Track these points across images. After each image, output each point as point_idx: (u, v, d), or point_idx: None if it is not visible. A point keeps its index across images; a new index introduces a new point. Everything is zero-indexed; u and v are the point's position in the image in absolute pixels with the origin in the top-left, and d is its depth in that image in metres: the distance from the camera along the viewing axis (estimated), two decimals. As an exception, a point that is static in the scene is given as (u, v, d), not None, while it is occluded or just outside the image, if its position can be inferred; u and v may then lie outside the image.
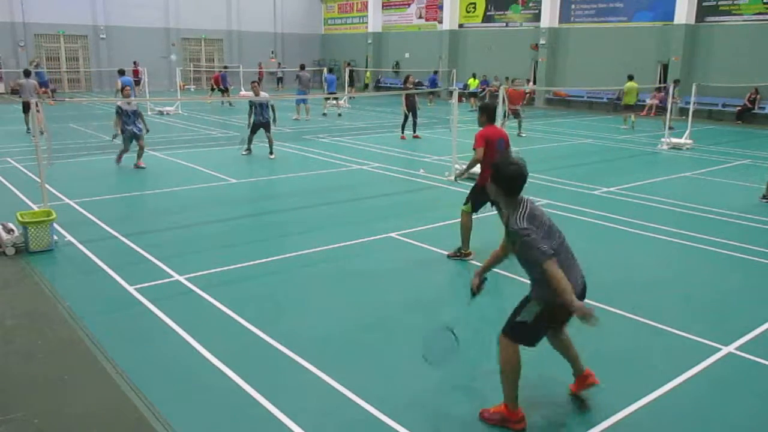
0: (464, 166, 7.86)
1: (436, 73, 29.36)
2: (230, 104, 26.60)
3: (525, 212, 3.77)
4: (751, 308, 6.12)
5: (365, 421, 4.13)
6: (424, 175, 12.48)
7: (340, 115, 24.30)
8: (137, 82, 25.82)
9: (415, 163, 13.90)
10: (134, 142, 12.68)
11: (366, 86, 37.17)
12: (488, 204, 7.14)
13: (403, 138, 17.68)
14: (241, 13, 38.69)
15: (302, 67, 23.00)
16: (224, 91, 26.37)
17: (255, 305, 5.97)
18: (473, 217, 7.30)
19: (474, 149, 7.20)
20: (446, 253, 7.46)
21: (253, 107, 13.95)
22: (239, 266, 7.00)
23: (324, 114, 24.04)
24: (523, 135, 18.85)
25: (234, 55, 38.05)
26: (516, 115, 18.99)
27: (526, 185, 3.86)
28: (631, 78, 21.35)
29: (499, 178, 3.84)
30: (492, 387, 4.63)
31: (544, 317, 3.93)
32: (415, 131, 17.96)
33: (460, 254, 7.29)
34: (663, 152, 16.42)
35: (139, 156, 12.81)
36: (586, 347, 5.24)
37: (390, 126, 21.31)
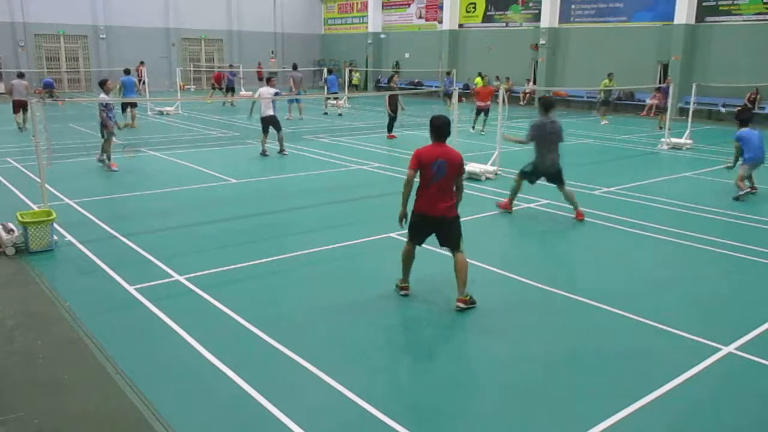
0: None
1: (448, 74, 29.24)
2: (231, 104, 26.57)
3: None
4: (751, 308, 6.12)
5: (365, 420, 4.13)
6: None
7: (340, 114, 24.37)
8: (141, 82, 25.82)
9: (415, 163, 13.88)
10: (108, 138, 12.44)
11: (356, 87, 36.33)
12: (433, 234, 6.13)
13: (390, 137, 17.80)
14: (241, 13, 38.70)
15: (294, 67, 23.23)
16: (228, 90, 26.45)
17: (255, 305, 5.97)
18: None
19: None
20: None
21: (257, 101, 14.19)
22: (239, 266, 7.00)
23: (325, 113, 24.24)
24: (483, 133, 19.11)
25: (234, 55, 38.05)
26: (485, 112, 19.31)
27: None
28: (608, 75, 22.65)
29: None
30: (492, 386, 4.64)
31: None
32: (390, 131, 18.11)
33: (397, 285, 6.32)
34: (663, 152, 16.42)
35: (109, 156, 12.58)
36: (586, 347, 5.26)
37: (390, 126, 21.33)
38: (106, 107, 12.23)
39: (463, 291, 5.96)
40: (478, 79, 29.69)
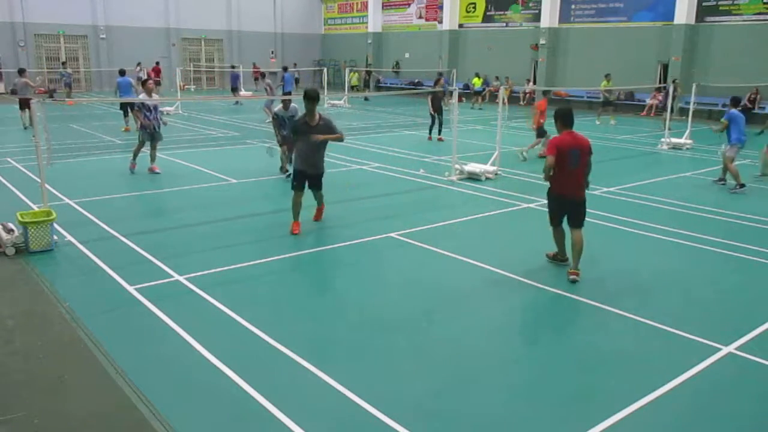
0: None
1: (441, 74, 29.08)
2: (240, 103, 26.64)
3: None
4: (751, 308, 6.12)
5: (365, 421, 4.12)
6: (424, 175, 12.48)
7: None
8: (157, 83, 25.81)
9: (415, 163, 13.90)
10: (150, 141, 12.07)
11: (353, 88, 35.07)
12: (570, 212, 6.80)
13: (429, 139, 17.53)
14: (241, 13, 38.71)
15: (263, 75, 23.85)
16: (233, 90, 26.60)
17: (255, 305, 5.97)
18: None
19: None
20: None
21: (281, 119, 11.73)
22: (239, 266, 7.00)
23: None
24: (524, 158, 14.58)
25: (234, 55, 38.07)
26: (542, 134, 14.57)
27: None
28: (606, 76, 22.54)
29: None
30: (491, 386, 4.64)
31: None
32: (439, 133, 17.60)
33: (557, 258, 7.19)
34: (663, 152, 16.43)
35: (153, 159, 12.25)
36: (586, 347, 5.26)
37: (390, 126, 21.33)
38: (141, 107, 11.79)
39: (578, 264, 6.68)
40: (476, 80, 29.67)
